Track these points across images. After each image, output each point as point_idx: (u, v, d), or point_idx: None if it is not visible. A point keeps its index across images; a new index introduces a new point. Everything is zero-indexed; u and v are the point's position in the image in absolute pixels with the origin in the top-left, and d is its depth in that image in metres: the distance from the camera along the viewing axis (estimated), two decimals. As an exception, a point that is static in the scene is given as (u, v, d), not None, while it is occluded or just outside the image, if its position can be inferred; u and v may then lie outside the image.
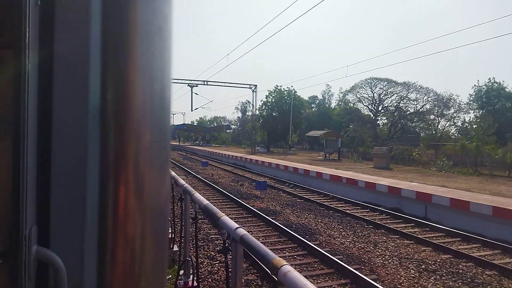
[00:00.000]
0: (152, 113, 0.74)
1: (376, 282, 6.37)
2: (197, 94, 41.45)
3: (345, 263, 7.21)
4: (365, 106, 63.36)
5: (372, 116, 62.16)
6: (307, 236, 9.39)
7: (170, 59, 0.77)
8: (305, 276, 1.84)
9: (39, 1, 0.69)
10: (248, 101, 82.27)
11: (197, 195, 4.57)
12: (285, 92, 51.23)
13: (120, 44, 0.69)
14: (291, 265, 2.06)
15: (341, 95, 69.15)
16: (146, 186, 0.73)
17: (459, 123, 52.38)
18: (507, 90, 48.87)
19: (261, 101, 53.27)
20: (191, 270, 5.38)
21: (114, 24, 0.69)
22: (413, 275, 7.10)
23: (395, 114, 58.84)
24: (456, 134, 49.67)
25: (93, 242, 0.70)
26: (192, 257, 5.25)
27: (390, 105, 60.32)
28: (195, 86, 41.38)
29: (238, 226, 2.90)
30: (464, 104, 53.47)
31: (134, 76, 0.70)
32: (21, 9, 0.66)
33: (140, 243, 0.73)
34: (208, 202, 4.14)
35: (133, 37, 0.71)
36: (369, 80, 59.56)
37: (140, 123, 0.72)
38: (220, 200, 14.26)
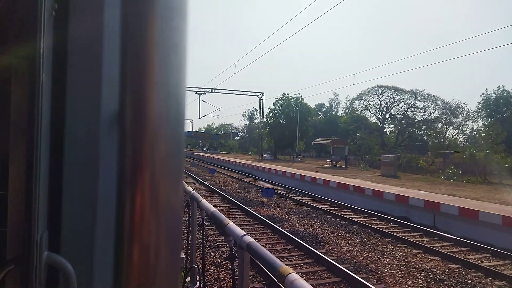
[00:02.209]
0: (168, 125, 0.76)
1: (383, 292, 6.30)
2: (204, 101, 41.66)
3: (352, 272, 7.15)
4: (372, 114, 63.17)
5: (379, 124, 61.89)
6: (314, 244, 9.33)
7: (185, 74, 0.80)
8: (312, 285, 1.84)
9: (53, 12, 0.70)
10: (255, 109, 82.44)
11: (204, 202, 4.57)
12: (292, 99, 51.29)
13: (138, 60, 0.72)
14: (298, 273, 2.05)
15: (348, 103, 69.11)
16: (161, 194, 0.75)
17: (468, 132, 51.90)
18: (516, 98, 48.44)
19: (268, 108, 53.41)
20: (198, 277, 5.37)
21: (132, 40, 0.71)
22: (421, 285, 7.01)
23: (403, 122, 58.52)
24: (464, 143, 49.22)
25: (106, 248, 0.71)
26: (199, 264, 5.25)
27: (397, 113, 60.02)
28: (203, 93, 41.62)
29: (244, 233, 2.90)
30: (473, 112, 53.03)
31: (152, 90, 0.73)
32: (36, 20, 0.68)
33: (155, 251, 0.74)
34: (215, 209, 4.14)
35: (151, 53, 0.73)
36: (376, 88, 59.42)
37: (156, 134, 0.74)
38: (227, 207, 14.26)
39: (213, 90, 41.53)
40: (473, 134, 46.86)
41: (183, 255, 6.98)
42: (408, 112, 58.48)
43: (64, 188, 0.72)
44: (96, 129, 0.71)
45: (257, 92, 44.52)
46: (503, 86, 49.65)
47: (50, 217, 0.72)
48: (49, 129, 0.71)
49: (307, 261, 8.13)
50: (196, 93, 41.30)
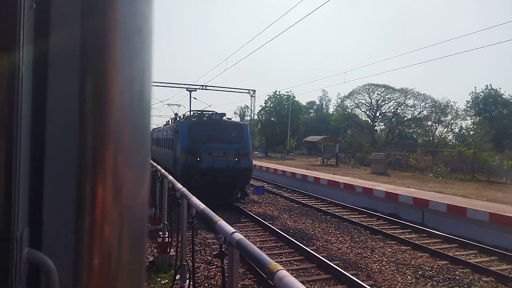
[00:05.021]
0: (131, 112, 0.75)
1: (373, 288, 6.35)
2: (195, 98, 41.28)
3: (342, 269, 7.19)
4: (363, 112, 63.62)
5: (369, 122, 62.33)
6: (304, 241, 9.36)
7: (150, 59, 0.79)
8: (302, 282, 1.84)
9: (34, 4, 0.69)
10: (247, 106, 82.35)
11: (194, 199, 4.55)
12: (283, 97, 51.36)
13: (100, 44, 0.71)
14: (288, 270, 2.05)
15: (339, 100, 69.44)
16: (125, 186, 0.73)
17: (456, 130, 52.45)
18: (504, 97, 49.15)
19: (260, 106, 53.44)
20: (188, 274, 5.36)
21: (94, 25, 0.70)
22: (410, 281, 7.08)
23: (393, 120, 59.01)
24: (453, 141, 49.77)
25: (84, 244, 0.70)
26: (189, 261, 5.23)
27: (387, 111, 60.56)
28: (194, 90, 41.36)
29: (234, 230, 2.89)
30: (461, 110, 53.73)
31: (113, 76, 0.72)
32: (15, 12, 0.66)
33: (118, 245, 0.74)
34: (205, 206, 4.12)
35: (113, 38, 0.72)
36: (367, 86, 59.83)
37: (119, 122, 0.73)
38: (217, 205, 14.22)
39: (204, 87, 41.29)
40: (462, 132, 47.32)
41: (173, 253, 6.97)
42: (398, 110, 59.05)
43: (46, 184, 0.70)
44: (77, 123, 0.70)
45: (248, 89, 44.44)
46: (490, 85, 50.41)
47: (31, 213, 0.70)
48: (29, 124, 0.70)
49: (298, 258, 8.15)
50: (186, 89, 41.05)
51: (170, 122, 21.22)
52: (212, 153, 12.84)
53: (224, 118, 14.86)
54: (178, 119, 18.51)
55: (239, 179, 13.25)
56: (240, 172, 13.17)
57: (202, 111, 16.54)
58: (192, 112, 16.43)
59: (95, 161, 0.70)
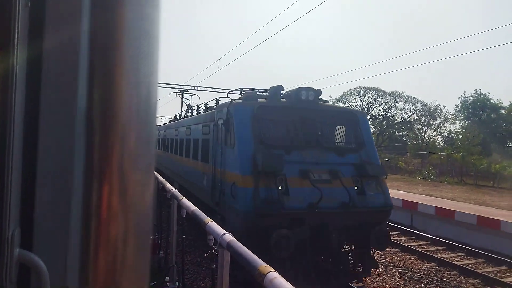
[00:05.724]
0: (138, 116, 0.75)
1: (362, 290, 6.36)
2: (187, 99, 41.11)
3: (331, 271, 7.19)
4: (354, 114, 63.83)
5: (360, 124, 62.59)
6: (294, 243, 9.35)
7: (157, 63, 0.79)
8: (291, 283, 1.84)
9: (29, 2, 0.68)
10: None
11: (185, 200, 4.54)
12: (275, 99, 51.40)
13: (108, 48, 0.71)
14: (277, 272, 2.06)
15: (331, 103, 69.74)
16: (130, 188, 0.73)
17: (445, 133, 53.09)
18: (492, 101, 49.89)
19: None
20: (177, 276, 5.33)
21: (102, 27, 0.70)
22: (398, 283, 7.14)
23: (383, 123, 59.41)
24: (442, 144, 50.32)
25: (77, 245, 0.70)
26: (178, 263, 5.20)
27: (378, 114, 60.91)
28: (186, 91, 41.15)
29: (225, 232, 2.89)
30: (451, 114, 54.34)
31: (121, 79, 0.72)
32: (10, 10, 0.66)
33: (123, 245, 0.73)
34: (195, 207, 4.12)
35: (121, 41, 0.72)
36: (358, 89, 60.13)
37: (125, 125, 0.73)
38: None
39: (196, 88, 41.13)
40: (450, 136, 47.89)
41: (162, 254, 6.92)
42: (389, 114, 59.39)
43: (38, 184, 0.69)
44: (71, 123, 0.69)
45: (241, 90, 44.34)
46: (479, 89, 51.14)
47: (23, 213, 0.69)
48: (22, 123, 0.69)
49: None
50: (178, 90, 40.82)
51: (178, 117, 14.69)
52: (310, 174, 6.13)
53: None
54: (191, 111, 12.13)
55: (369, 232, 6.20)
56: (368, 216, 6.28)
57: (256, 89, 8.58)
58: (241, 91, 8.79)
59: (101, 162, 0.70)
